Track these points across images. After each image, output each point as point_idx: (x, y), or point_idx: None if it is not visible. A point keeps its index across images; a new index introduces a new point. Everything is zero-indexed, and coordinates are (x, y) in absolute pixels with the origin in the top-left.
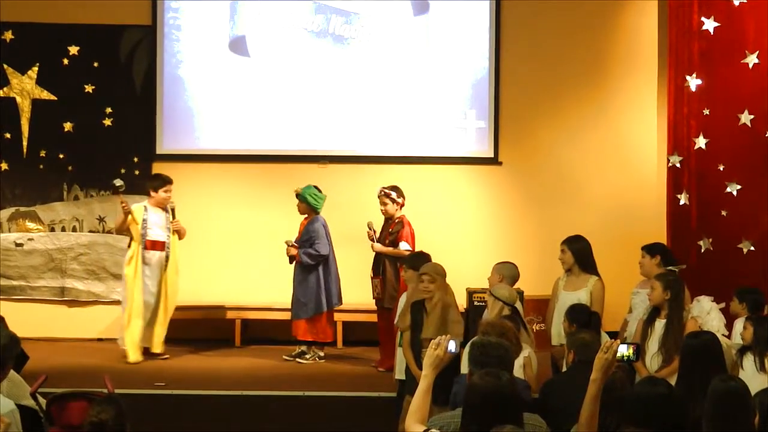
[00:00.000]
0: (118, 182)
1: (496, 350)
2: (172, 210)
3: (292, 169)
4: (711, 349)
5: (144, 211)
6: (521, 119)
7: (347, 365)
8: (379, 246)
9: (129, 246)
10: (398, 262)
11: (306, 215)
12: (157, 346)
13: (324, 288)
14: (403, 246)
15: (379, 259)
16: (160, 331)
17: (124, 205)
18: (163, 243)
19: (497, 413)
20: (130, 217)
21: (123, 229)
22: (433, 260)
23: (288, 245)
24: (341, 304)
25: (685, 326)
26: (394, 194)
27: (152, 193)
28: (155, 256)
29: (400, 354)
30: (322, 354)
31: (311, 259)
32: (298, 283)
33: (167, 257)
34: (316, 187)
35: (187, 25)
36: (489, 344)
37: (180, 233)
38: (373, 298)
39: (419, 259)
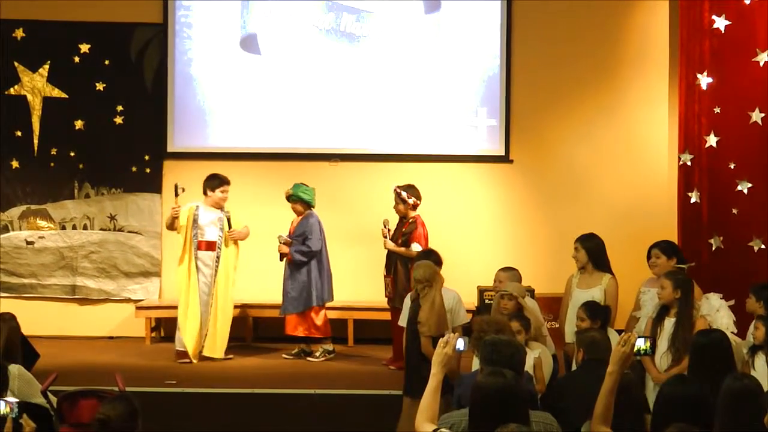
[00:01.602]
0: (179, 187)
1: (508, 349)
2: (228, 219)
3: (303, 167)
4: (721, 347)
5: (195, 211)
6: (532, 117)
7: (358, 363)
8: (391, 244)
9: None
10: (409, 263)
11: (300, 213)
12: (215, 351)
13: (315, 283)
14: (415, 247)
15: (391, 259)
16: (217, 335)
17: (174, 208)
18: (214, 243)
19: (503, 412)
20: (177, 221)
21: (172, 228)
22: (444, 258)
23: (280, 241)
24: (332, 300)
25: (695, 324)
26: (404, 194)
27: (209, 193)
28: (208, 256)
29: None
30: (330, 349)
31: (303, 256)
32: (288, 276)
33: (218, 258)
34: (303, 184)
35: (198, 24)
36: (500, 342)
37: (236, 241)
38: (386, 296)
39: (429, 257)
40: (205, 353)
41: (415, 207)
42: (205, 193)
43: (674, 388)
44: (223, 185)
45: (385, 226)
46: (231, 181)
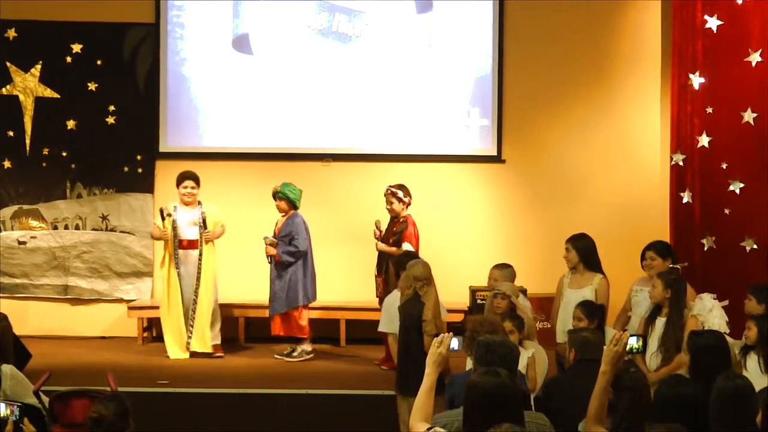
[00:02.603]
0: (166, 211)
1: (501, 349)
2: (203, 220)
3: (295, 167)
4: (719, 348)
5: (174, 211)
6: (525, 117)
7: (350, 363)
8: (382, 245)
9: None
10: None
11: (284, 212)
12: (205, 346)
13: (301, 283)
14: (407, 247)
15: (382, 258)
16: (207, 331)
17: (164, 235)
18: (195, 241)
19: (497, 411)
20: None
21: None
22: (437, 258)
23: (266, 243)
24: (315, 300)
25: (686, 325)
26: (400, 193)
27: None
28: (189, 255)
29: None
30: (309, 349)
31: (291, 257)
32: (275, 277)
33: (201, 255)
34: (290, 184)
35: (190, 23)
36: (494, 343)
37: (212, 241)
38: (377, 296)
39: (408, 259)
40: (193, 348)
41: (408, 206)
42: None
43: (671, 389)
44: (184, 180)
45: (377, 228)
46: (200, 177)
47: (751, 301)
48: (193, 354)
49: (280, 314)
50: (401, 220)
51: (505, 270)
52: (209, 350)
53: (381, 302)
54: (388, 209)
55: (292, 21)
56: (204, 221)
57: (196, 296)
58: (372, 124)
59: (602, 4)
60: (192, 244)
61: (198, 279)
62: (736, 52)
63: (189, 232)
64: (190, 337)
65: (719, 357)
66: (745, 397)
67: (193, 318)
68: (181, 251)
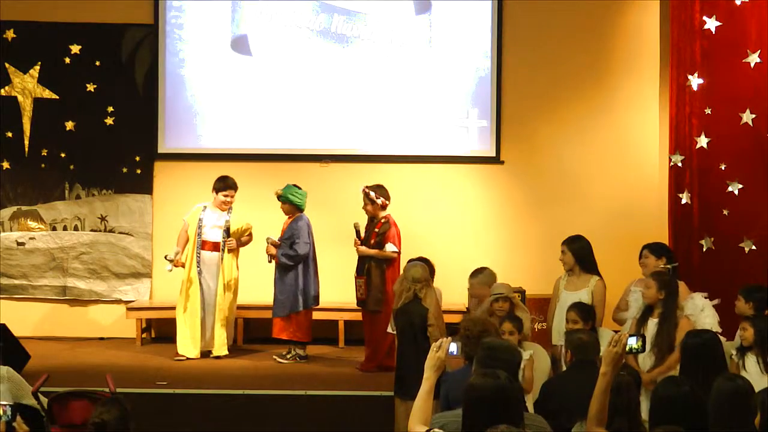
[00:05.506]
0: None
1: (504, 353)
2: (227, 229)
3: (294, 168)
4: (712, 348)
5: (202, 212)
6: (523, 118)
7: (349, 364)
8: (363, 248)
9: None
10: (384, 264)
11: (290, 215)
12: (218, 349)
13: (302, 287)
14: (390, 248)
15: (363, 260)
16: (220, 333)
17: (177, 262)
18: (219, 243)
19: (496, 413)
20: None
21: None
22: (435, 259)
23: (268, 243)
24: (318, 304)
25: (678, 325)
26: (373, 194)
27: (214, 194)
28: (211, 256)
29: None
30: (303, 353)
31: (289, 260)
32: (277, 280)
33: (222, 259)
34: (295, 185)
35: (189, 24)
36: (497, 347)
37: (234, 251)
38: (357, 298)
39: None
40: (215, 352)
41: (384, 207)
42: (214, 192)
43: (668, 390)
44: (227, 189)
45: (357, 230)
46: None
47: (740, 300)
48: (204, 354)
49: (283, 317)
50: (382, 221)
51: (481, 275)
52: (225, 353)
53: (362, 304)
54: (364, 209)
55: (291, 22)
56: (228, 229)
57: (216, 299)
58: (371, 125)
59: (601, 4)
60: (215, 247)
61: (219, 283)
62: (734, 53)
63: (213, 234)
64: (204, 338)
65: (714, 357)
66: (744, 398)
67: (214, 323)
68: (203, 252)
